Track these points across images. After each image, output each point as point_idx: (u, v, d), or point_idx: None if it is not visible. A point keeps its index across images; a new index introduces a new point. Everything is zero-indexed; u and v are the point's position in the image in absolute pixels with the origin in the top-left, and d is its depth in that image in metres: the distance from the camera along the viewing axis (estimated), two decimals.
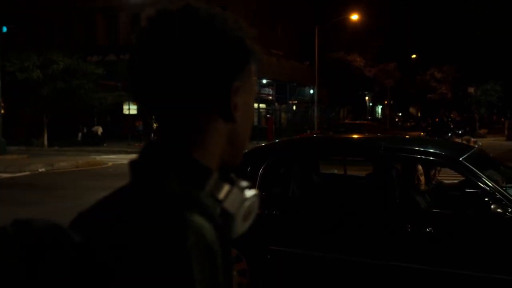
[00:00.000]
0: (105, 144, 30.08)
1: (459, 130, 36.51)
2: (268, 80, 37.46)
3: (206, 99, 0.87)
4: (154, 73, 0.86)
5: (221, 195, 0.86)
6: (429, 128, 37.92)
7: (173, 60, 0.85)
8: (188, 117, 0.88)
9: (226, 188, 0.87)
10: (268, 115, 38.97)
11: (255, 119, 39.26)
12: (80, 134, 31.96)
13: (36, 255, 0.76)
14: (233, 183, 0.89)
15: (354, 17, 39.12)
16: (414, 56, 57.67)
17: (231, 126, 0.91)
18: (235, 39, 0.88)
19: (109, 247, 0.77)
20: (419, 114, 77.82)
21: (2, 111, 23.85)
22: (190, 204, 0.80)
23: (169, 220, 0.77)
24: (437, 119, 44.89)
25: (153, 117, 0.92)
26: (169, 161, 0.86)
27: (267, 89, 39.59)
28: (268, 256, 4.83)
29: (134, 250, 0.75)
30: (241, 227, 0.89)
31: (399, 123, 67.49)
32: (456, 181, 5.93)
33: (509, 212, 4.15)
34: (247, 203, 0.88)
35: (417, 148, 4.86)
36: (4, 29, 21.53)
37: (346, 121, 31.28)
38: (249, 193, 0.89)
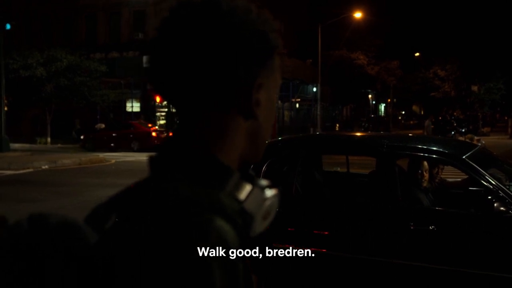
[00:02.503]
0: None
1: (462, 129, 36.49)
2: None
3: (227, 95, 0.84)
4: (174, 66, 0.83)
5: (242, 195, 0.84)
6: (432, 127, 37.90)
7: (193, 53, 0.82)
8: (208, 113, 0.85)
9: (247, 188, 0.85)
10: None
11: None
12: (73, 132, 31.87)
13: (47, 256, 0.74)
14: (253, 182, 0.87)
15: (358, 15, 39.05)
16: (417, 54, 57.54)
17: (252, 123, 0.88)
18: (257, 33, 0.85)
19: (124, 251, 0.73)
20: (422, 112, 77.73)
21: (6, 109, 23.91)
22: (210, 206, 0.77)
23: (189, 223, 0.74)
24: (440, 118, 44.82)
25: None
26: (188, 159, 0.83)
27: None
28: (271, 254, 4.83)
29: (152, 255, 0.71)
30: (260, 226, 0.86)
31: (402, 121, 67.47)
32: (459, 179, 5.93)
33: None
34: (267, 203, 0.86)
35: (420, 146, 4.85)
36: (8, 26, 21.55)
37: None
38: (269, 192, 0.87)
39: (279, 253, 4.84)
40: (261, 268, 4.95)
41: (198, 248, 0.71)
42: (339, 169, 7.11)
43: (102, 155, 21.21)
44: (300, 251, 4.78)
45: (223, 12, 0.83)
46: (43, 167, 17.21)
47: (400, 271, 4.42)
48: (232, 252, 0.75)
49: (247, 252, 0.81)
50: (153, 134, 24.64)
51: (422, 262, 4.33)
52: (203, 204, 0.77)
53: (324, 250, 4.70)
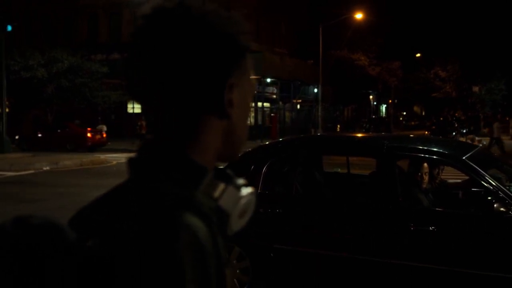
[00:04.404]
0: (109, 143, 30.13)
1: (463, 129, 36.47)
2: (272, 79, 37.44)
3: (200, 96, 0.88)
4: (148, 70, 0.87)
5: (216, 193, 0.87)
6: (434, 127, 37.85)
7: (167, 57, 0.86)
8: (183, 115, 0.89)
9: (221, 186, 0.88)
10: (272, 114, 38.95)
11: (259, 118, 39.26)
12: None
13: (32, 253, 0.77)
14: (229, 181, 0.90)
15: (359, 15, 39.04)
16: (418, 54, 57.51)
17: (226, 122, 0.91)
18: (227, 36, 0.88)
19: (102, 246, 0.78)
20: (423, 113, 77.65)
21: (7, 110, 23.94)
22: (183, 204, 0.80)
23: (161, 220, 0.77)
24: (441, 118, 44.78)
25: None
26: (164, 160, 0.87)
27: (271, 87, 39.56)
28: (271, 254, 4.85)
29: (126, 250, 0.75)
30: (236, 224, 0.90)
31: (403, 122, 67.41)
32: (459, 180, 5.93)
33: None
34: (243, 201, 0.89)
35: (420, 147, 4.86)
36: (9, 27, 21.56)
37: None
38: (245, 191, 0.90)
39: (279, 252, 4.85)
40: (262, 267, 4.96)
41: (170, 245, 0.75)
42: (339, 169, 7.13)
43: (103, 156, 21.23)
44: (300, 251, 4.79)
45: (193, 17, 0.87)
46: (45, 168, 17.23)
47: (400, 271, 4.43)
48: (204, 248, 0.77)
49: (222, 249, 0.84)
50: (88, 135, 25.79)
51: (422, 262, 4.34)
52: (177, 202, 0.80)
53: (324, 251, 4.71)
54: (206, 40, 0.86)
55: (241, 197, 0.89)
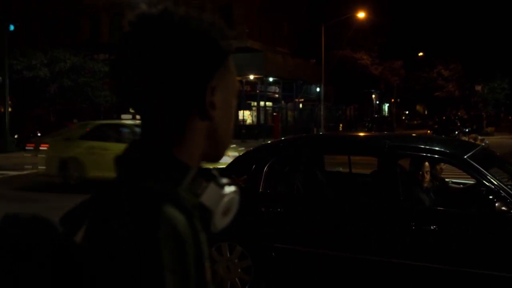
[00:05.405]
0: None
1: (466, 128, 36.43)
2: (274, 78, 37.40)
3: (183, 99, 0.91)
4: (134, 75, 0.91)
5: (199, 191, 0.92)
6: (436, 126, 37.82)
7: (151, 62, 0.89)
8: (167, 116, 0.92)
9: (203, 184, 0.93)
10: (274, 113, 38.92)
11: (262, 117, 39.25)
12: None
13: (22, 247, 0.83)
14: (212, 180, 0.94)
15: (361, 15, 38.98)
16: (420, 54, 57.42)
17: (209, 123, 0.94)
18: (209, 41, 0.92)
19: (86, 238, 0.84)
20: (426, 112, 77.52)
21: (10, 109, 24.00)
22: (164, 198, 0.84)
23: (143, 212, 0.81)
24: (444, 117, 44.73)
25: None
26: (149, 158, 0.90)
27: (273, 87, 39.53)
28: (273, 254, 4.85)
29: (108, 242, 0.80)
30: (220, 222, 0.93)
31: (406, 121, 67.32)
32: (460, 180, 5.92)
33: None
34: (225, 199, 0.93)
35: (422, 146, 4.86)
36: (11, 27, 21.62)
37: None
38: (228, 189, 0.94)
39: (281, 252, 4.85)
40: (263, 266, 4.97)
41: (149, 234, 0.79)
42: (341, 169, 7.12)
43: None
44: (302, 250, 4.79)
45: (176, 23, 0.91)
46: None
47: (401, 271, 4.42)
48: (183, 239, 0.82)
49: (203, 243, 0.88)
50: None
51: (424, 262, 4.33)
52: (158, 197, 0.84)
53: (326, 250, 4.71)
54: (187, 45, 0.90)
55: (224, 195, 0.93)
